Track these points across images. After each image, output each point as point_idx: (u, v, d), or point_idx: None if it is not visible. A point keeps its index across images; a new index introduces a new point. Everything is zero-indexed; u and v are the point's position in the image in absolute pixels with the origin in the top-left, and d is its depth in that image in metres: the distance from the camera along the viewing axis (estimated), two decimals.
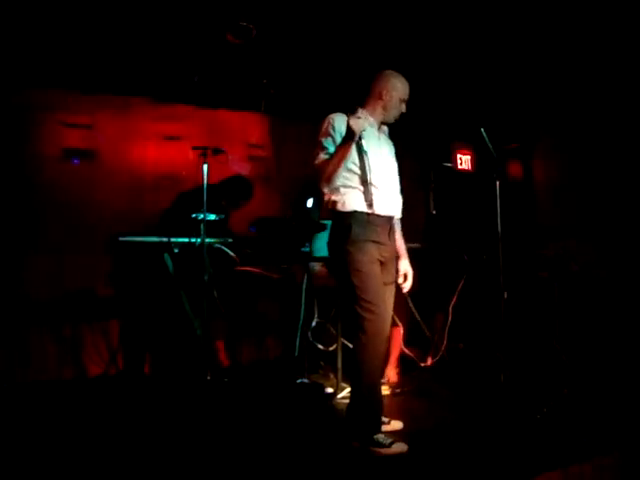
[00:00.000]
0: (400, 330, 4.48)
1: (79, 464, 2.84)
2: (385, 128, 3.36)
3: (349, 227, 3.09)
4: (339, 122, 3.14)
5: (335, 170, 3.09)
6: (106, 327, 4.72)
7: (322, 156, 3.12)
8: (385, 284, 3.17)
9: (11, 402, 3.97)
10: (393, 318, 3.47)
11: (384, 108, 3.25)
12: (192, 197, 4.25)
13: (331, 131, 3.14)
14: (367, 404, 3.05)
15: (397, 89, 3.24)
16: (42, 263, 4.58)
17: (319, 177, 3.14)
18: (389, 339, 3.31)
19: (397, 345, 4.47)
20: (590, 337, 4.45)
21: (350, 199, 3.12)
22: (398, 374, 4.46)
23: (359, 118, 2.98)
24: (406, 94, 3.26)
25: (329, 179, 3.13)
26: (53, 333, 4.55)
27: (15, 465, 2.84)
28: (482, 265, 4.49)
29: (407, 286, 3.34)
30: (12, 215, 4.49)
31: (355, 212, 3.10)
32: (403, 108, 3.27)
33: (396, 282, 3.30)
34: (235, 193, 4.53)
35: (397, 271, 3.33)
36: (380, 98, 3.24)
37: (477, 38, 4.84)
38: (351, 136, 2.99)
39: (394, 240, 3.26)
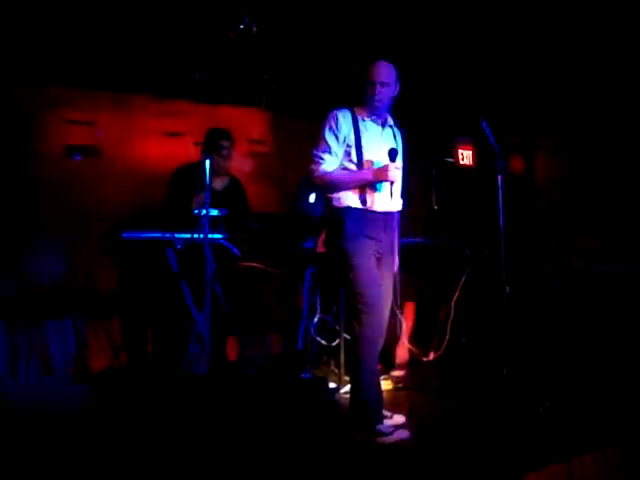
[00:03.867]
0: (413, 306, 4.51)
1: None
2: (390, 120, 3.36)
3: (343, 222, 3.14)
4: (342, 119, 3.19)
5: (342, 190, 3.17)
6: (109, 323, 4.73)
7: (329, 158, 3.16)
8: (382, 278, 3.22)
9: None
10: (393, 310, 3.49)
11: (367, 99, 3.24)
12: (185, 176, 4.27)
13: (335, 130, 3.18)
14: (366, 396, 3.10)
15: (368, 75, 3.21)
16: (44, 259, 4.59)
17: (322, 182, 3.21)
18: (387, 331, 3.34)
19: (409, 321, 4.48)
20: (593, 332, 4.45)
21: (345, 195, 3.18)
22: (410, 352, 4.46)
23: (398, 168, 3.11)
24: (372, 75, 3.20)
25: (331, 191, 3.20)
26: (57, 329, 4.57)
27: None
28: (484, 260, 4.49)
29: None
30: (14, 212, 4.50)
31: (349, 208, 3.16)
32: (373, 90, 3.20)
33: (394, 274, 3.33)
34: (213, 139, 4.42)
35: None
36: (364, 92, 3.24)
37: (479, 32, 4.83)
38: (383, 179, 3.11)
39: (392, 235, 3.28)
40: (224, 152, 4.35)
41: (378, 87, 3.20)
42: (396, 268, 3.41)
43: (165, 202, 4.35)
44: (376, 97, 3.21)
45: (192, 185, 4.20)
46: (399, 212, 3.42)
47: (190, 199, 4.11)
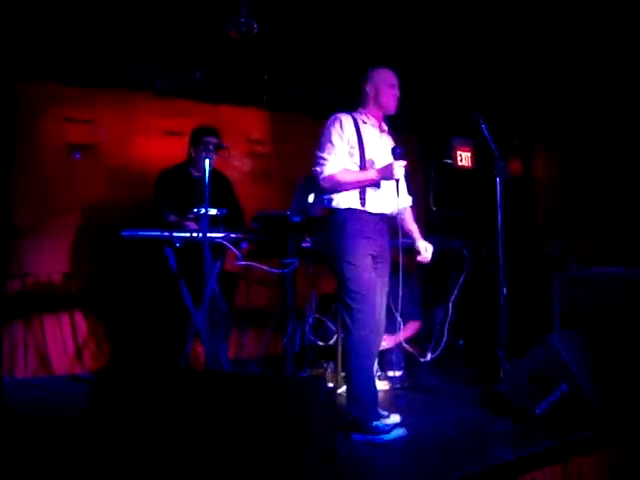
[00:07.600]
0: (414, 325, 4.54)
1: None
2: (384, 126, 3.41)
3: (342, 223, 3.19)
4: (346, 122, 3.24)
5: (349, 190, 3.19)
6: (108, 322, 4.74)
7: (334, 160, 3.19)
8: (377, 277, 3.26)
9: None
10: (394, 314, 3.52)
11: (376, 102, 3.30)
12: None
13: (340, 132, 3.22)
14: (361, 393, 3.13)
15: (379, 78, 3.28)
16: (43, 255, 4.59)
17: (328, 184, 3.22)
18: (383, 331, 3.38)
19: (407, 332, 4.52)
20: (591, 333, 4.46)
21: (345, 196, 3.22)
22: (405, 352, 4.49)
23: (402, 166, 3.13)
24: (390, 78, 3.29)
25: (337, 192, 3.22)
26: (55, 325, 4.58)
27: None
28: (482, 261, 4.51)
29: (429, 256, 3.43)
30: (13, 209, 4.49)
31: (348, 209, 3.20)
32: (395, 93, 3.30)
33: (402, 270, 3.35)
34: (198, 136, 4.42)
35: (417, 251, 3.43)
36: (369, 95, 3.29)
37: (478, 34, 4.85)
38: (388, 177, 3.13)
39: (387, 237, 3.33)
40: (210, 147, 4.36)
41: (396, 90, 3.29)
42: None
43: (150, 206, 4.34)
44: (396, 100, 3.30)
45: (177, 187, 4.24)
46: (411, 207, 3.56)
47: (174, 202, 4.15)
